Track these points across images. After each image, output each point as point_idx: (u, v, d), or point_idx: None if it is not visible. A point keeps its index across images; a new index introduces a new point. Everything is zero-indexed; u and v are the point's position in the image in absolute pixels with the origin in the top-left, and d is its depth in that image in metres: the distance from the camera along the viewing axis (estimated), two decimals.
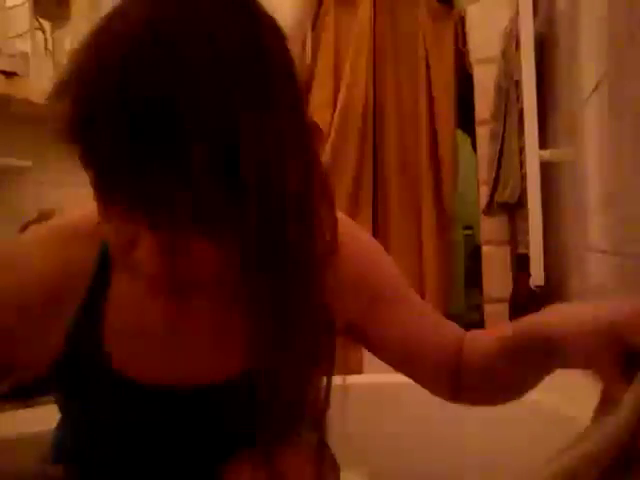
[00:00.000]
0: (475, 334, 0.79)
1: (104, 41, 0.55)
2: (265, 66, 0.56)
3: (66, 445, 0.83)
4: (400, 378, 0.87)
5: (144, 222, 0.56)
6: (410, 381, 0.85)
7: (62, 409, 0.83)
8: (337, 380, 0.90)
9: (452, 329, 0.81)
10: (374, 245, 0.84)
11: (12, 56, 1.79)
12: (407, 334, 0.80)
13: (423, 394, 0.84)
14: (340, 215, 0.77)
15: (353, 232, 0.81)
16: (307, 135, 0.62)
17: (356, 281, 0.79)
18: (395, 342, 0.80)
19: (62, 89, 0.56)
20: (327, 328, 0.73)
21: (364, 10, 2.29)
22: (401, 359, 0.81)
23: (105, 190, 0.56)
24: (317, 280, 0.67)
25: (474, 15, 2.21)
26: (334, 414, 0.80)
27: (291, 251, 0.61)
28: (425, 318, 0.81)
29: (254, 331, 0.66)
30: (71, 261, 0.71)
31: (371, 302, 0.80)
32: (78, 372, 0.74)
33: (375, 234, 2.29)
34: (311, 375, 0.71)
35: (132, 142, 0.52)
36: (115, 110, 0.52)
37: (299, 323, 0.67)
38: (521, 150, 1.78)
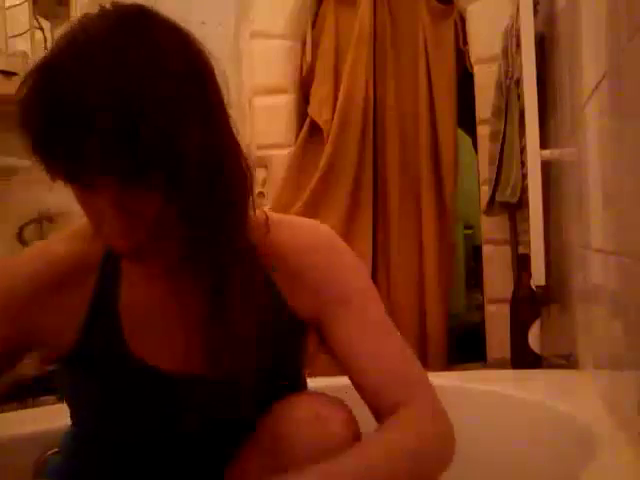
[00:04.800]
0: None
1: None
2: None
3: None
4: None
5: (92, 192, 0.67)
6: None
7: (71, 397, 0.86)
8: (337, 381, 0.90)
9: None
10: (326, 244, 0.84)
11: (12, 56, 1.79)
12: (348, 353, 0.81)
13: None
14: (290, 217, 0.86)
15: (301, 227, 0.85)
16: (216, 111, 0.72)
17: (300, 274, 0.81)
18: (338, 355, 0.82)
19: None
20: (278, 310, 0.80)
21: (364, 9, 2.28)
22: (344, 370, 0.82)
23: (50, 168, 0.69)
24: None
25: (474, 14, 2.20)
26: None
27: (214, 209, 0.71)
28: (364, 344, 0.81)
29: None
30: (78, 254, 0.79)
31: (324, 303, 0.81)
32: (96, 355, 0.79)
33: (375, 233, 2.29)
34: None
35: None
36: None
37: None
38: (522, 149, 1.78)
